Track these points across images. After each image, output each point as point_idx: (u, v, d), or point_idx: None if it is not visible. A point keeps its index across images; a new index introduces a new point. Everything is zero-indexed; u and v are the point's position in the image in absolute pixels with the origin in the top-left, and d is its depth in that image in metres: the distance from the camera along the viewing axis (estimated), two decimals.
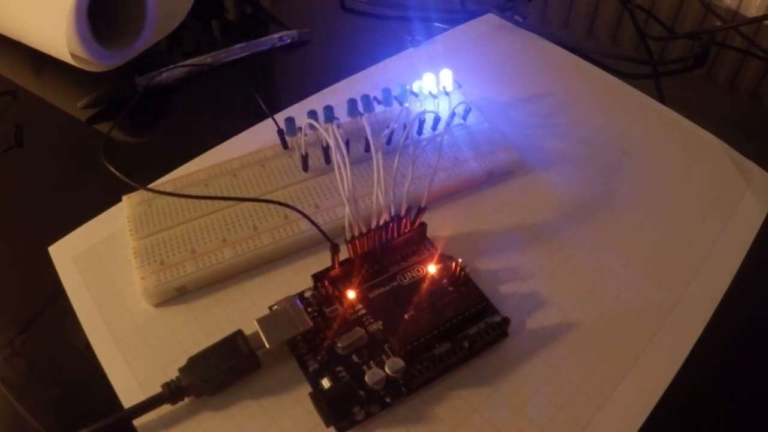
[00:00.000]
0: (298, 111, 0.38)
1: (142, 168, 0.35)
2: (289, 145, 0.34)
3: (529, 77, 0.42)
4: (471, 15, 0.48)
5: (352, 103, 0.34)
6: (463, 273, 0.28)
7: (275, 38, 0.45)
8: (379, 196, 0.27)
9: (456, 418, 0.25)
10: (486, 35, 0.46)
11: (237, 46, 0.44)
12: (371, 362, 0.26)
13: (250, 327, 0.26)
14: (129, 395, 0.25)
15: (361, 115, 0.33)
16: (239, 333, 0.26)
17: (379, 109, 0.35)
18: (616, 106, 0.40)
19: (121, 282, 0.29)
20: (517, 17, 0.47)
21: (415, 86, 0.36)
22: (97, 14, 0.40)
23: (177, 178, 0.33)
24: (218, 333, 0.26)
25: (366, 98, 0.34)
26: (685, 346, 0.27)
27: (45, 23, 0.40)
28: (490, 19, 0.48)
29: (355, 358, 0.26)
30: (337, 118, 0.33)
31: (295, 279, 0.30)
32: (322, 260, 0.30)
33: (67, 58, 0.40)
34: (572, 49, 0.45)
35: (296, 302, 0.27)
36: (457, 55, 0.44)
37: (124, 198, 0.32)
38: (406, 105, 0.35)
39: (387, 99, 0.35)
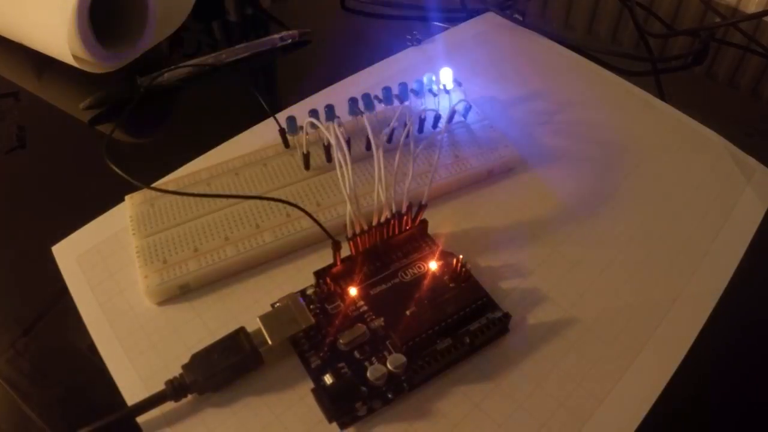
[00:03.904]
0: (299, 110, 0.38)
1: (145, 168, 0.35)
2: (291, 143, 0.35)
3: (530, 75, 0.42)
4: (471, 14, 0.48)
5: (353, 101, 0.34)
6: (464, 269, 0.28)
7: (276, 38, 0.45)
8: (380, 194, 0.27)
9: (457, 413, 0.25)
10: (486, 34, 0.46)
11: (238, 46, 0.44)
12: (373, 358, 0.26)
13: (253, 324, 0.26)
14: (132, 393, 0.26)
15: (362, 113, 0.33)
16: (242, 330, 0.26)
17: (379, 107, 0.35)
18: (616, 104, 0.40)
19: (124, 281, 0.30)
20: (516, 15, 0.47)
21: (416, 84, 0.36)
22: (98, 16, 0.40)
23: (179, 177, 0.33)
24: (221, 330, 0.27)
25: (367, 97, 0.34)
26: (685, 342, 0.27)
27: (47, 25, 0.40)
28: (490, 18, 0.48)
29: (357, 354, 0.26)
30: (338, 117, 0.33)
31: (297, 276, 0.30)
32: (323, 257, 0.30)
33: (69, 59, 0.40)
34: (572, 47, 0.45)
35: (298, 299, 0.27)
36: (457, 53, 0.44)
37: (127, 197, 0.32)
38: (407, 103, 0.35)
39: (388, 97, 0.35)
